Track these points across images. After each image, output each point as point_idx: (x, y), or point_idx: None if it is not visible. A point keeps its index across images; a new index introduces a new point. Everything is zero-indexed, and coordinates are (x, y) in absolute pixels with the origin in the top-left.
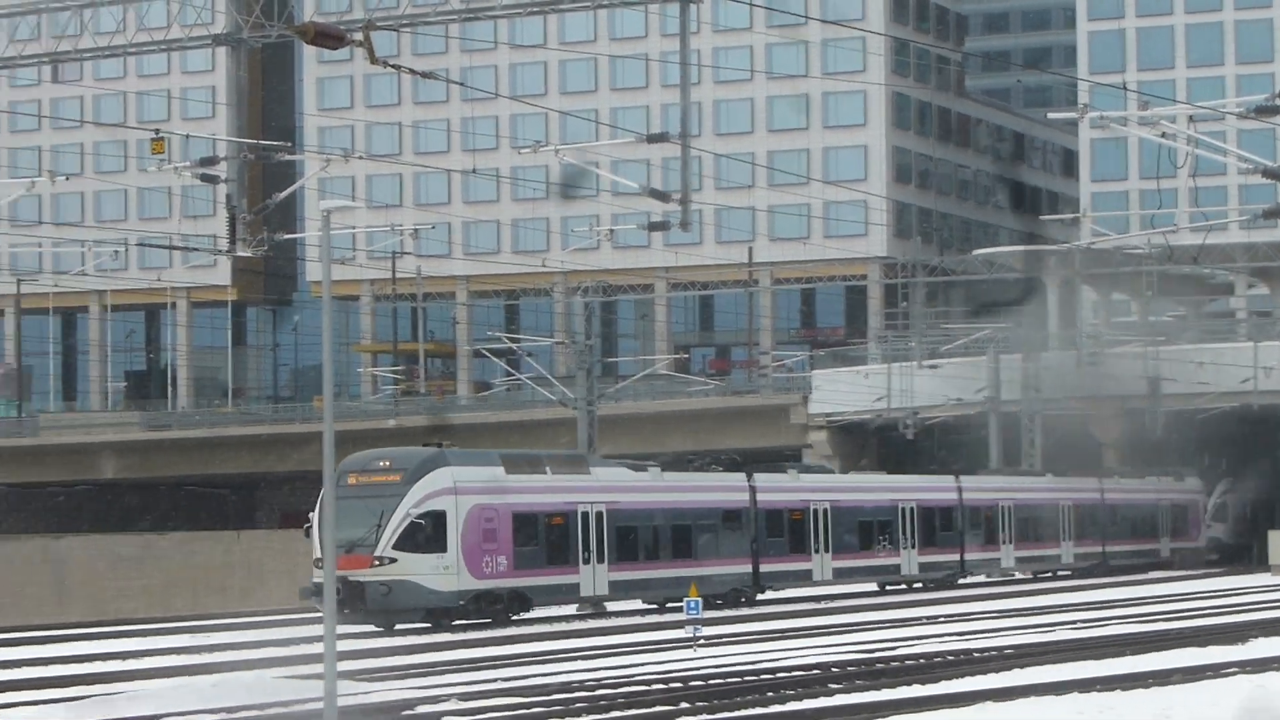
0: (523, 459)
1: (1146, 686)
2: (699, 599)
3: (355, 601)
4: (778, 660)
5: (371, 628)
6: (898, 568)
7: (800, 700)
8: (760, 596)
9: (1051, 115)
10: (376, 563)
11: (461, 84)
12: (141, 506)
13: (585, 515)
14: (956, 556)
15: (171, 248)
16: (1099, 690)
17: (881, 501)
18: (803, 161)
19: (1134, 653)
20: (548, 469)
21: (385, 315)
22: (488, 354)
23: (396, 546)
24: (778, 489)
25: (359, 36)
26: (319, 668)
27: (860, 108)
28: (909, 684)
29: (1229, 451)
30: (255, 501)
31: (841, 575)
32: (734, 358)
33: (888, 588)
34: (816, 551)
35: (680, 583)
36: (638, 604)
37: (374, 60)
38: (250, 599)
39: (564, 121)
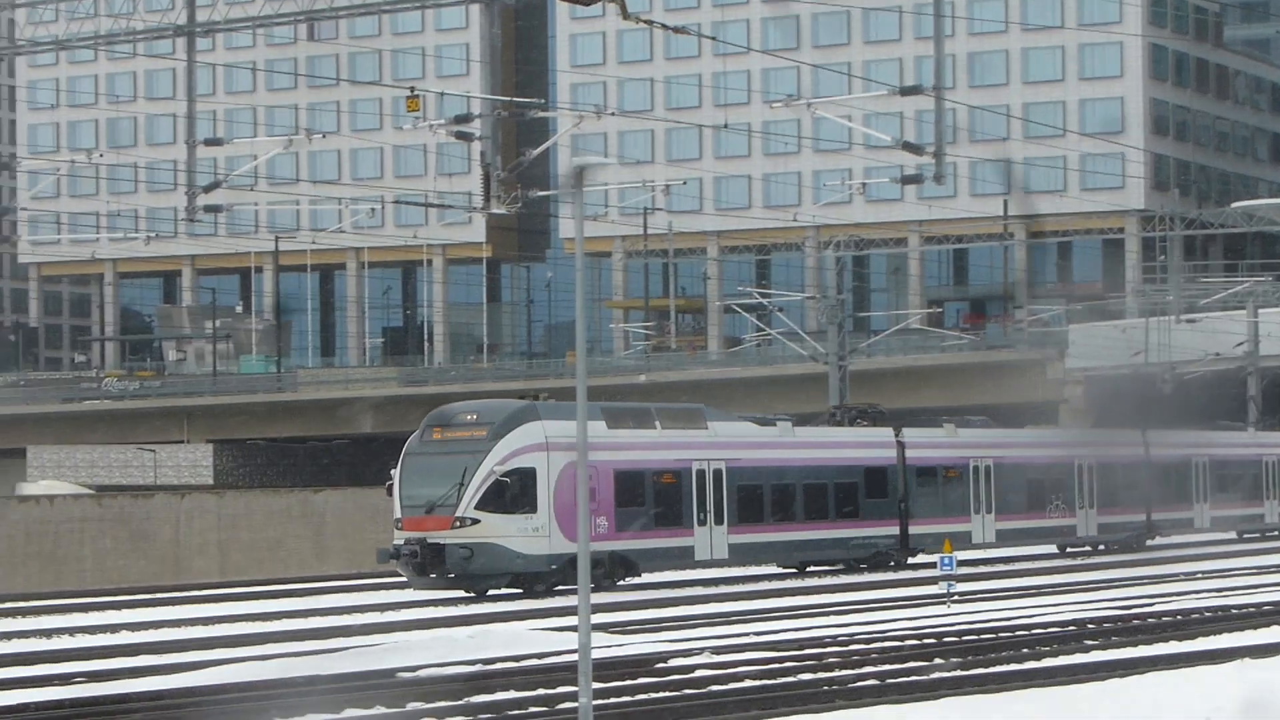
0: (627, 412)
1: None
2: (953, 555)
3: (434, 565)
4: (1033, 616)
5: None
6: (1073, 529)
7: (1056, 656)
8: (912, 560)
9: None
10: (457, 524)
11: (713, 38)
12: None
13: (701, 473)
14: (1142, 516)
15: (427, 205)
16: None
17: (1055, 458)
18: (1058, 113)
19: None
20: (658, 424)
21: (637, 271)
22: (738, 309)
23: (479, 506)
24: (930, 444)
25: None
26: (574, 620)
27: (1117, 59)
28: (1166, 640)
29: None
30: None
31: (1006, 537)
32: (988, 312)
33: (1069, 550)
34: (976, 512)
35: (812, 546)
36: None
37: (626, 16)
38: None
39: (816, 75)
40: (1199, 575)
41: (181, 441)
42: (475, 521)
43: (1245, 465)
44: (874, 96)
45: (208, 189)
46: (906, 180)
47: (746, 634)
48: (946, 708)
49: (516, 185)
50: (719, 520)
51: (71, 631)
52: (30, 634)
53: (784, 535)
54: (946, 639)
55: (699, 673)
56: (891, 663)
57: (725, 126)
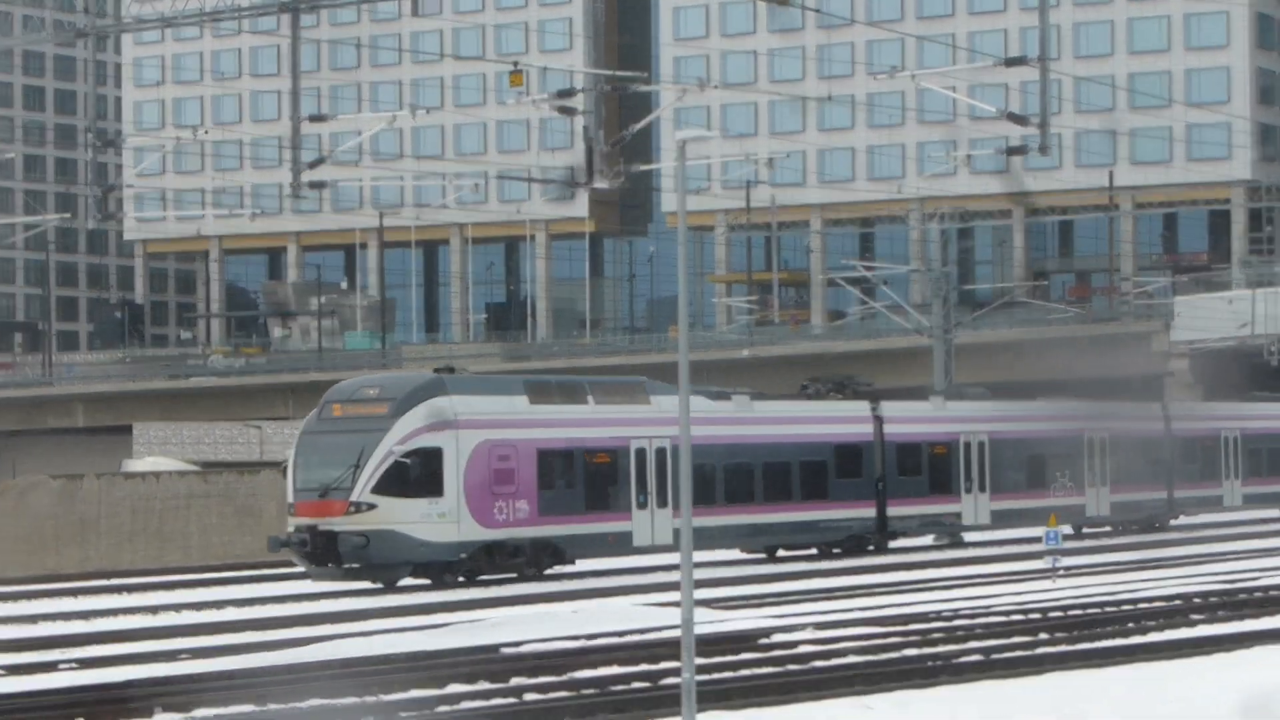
0: (554, 387)
1: None
2: (1057, 529)
3: (328, 554)
4: (1138, 591)
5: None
6: (1082, 508)
7: (1161, 631)
8: (893, 544)
9: None
10: (352, 509)
11: (817, 10)
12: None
13: (641, 452)
14: (1163, 494)
15: (530, 180)
16: None
17: (1062, 431)
18: (1164, 83)
19: None
20: (590, 398)
21: (740, 245)
22: (842, 283)
23: (377, 490)
24: (912, 419)
25: None
26: (676, 596)
27: (1223, 28)
28: (1272, 614)
29: None
30: None
31: (1004, 518)
32: (1094, 284)
33: (1083, 530)
34: (968, 492)
35: (775, 530)
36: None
37: None
38: None
39: (921, 46)
40: None
41: (287, 418)
42: (372, 507)
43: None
44: (978, 68)
45: (312, 165)
46: (1011, 151)
47: (850, 609)
48: (1051, 683)
49: (619, 159)
50: (662, 503)
51: (177, 608)
52: (136, 610)
53: (740, 518)
54: (1051, 614)
55: (802, 648)
56: (996, 638)
57: (829, 99)
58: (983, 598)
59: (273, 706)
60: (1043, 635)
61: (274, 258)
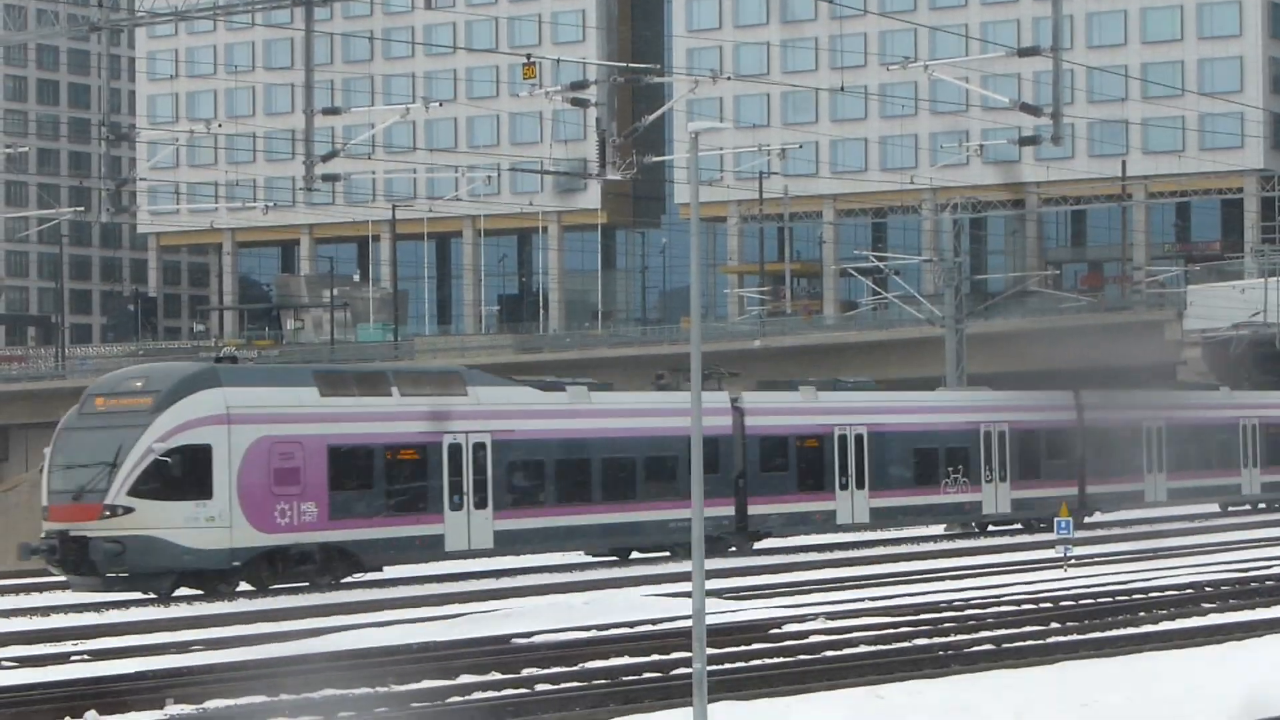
0: (351, 377)
1: None
2: (1069, 519)
3: (80, 563)
4: (1150, 580)
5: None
6: (978, 505)
7: (1173, 620)
8: (758, 546)
9: None
10: (106, 513)
11: (830, 1)
12: None
13: (455, 448)
14: (1074, 490)
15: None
16: None
17: (956, 425)
18: (1177, 73)
19: None
20: (395, 390)
21: (752, 236)
22: (854, 273)
23: (134, 492)
24: (779, 411)
25: None
26: (687, 586)
27: (1236, 17)
28: None
29: None
30: None
31: (886, 516)
32: (1106, 273)
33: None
34: (844, 488)
35: (617, 530)
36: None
37: None
38: None
39: (933, 36)
40: None
41: None
42: (129, 510)
43: (1216, 430)
44: (991, 58)
45: (325, 158)
46: (1024, 142)
47: (861, 599)
48: (1062, 672)
49: (632, 151)
50: (481, 503)
51: (190, 599)
52: (148, 602)
53: (575, 519)
54: (1063, 603)
55: (813, 638)
56: (1007, 627)
57: (841, 89)
58: (994, 587)
59: (285, 697)
60: (1054, 624)
61: (287, 250)
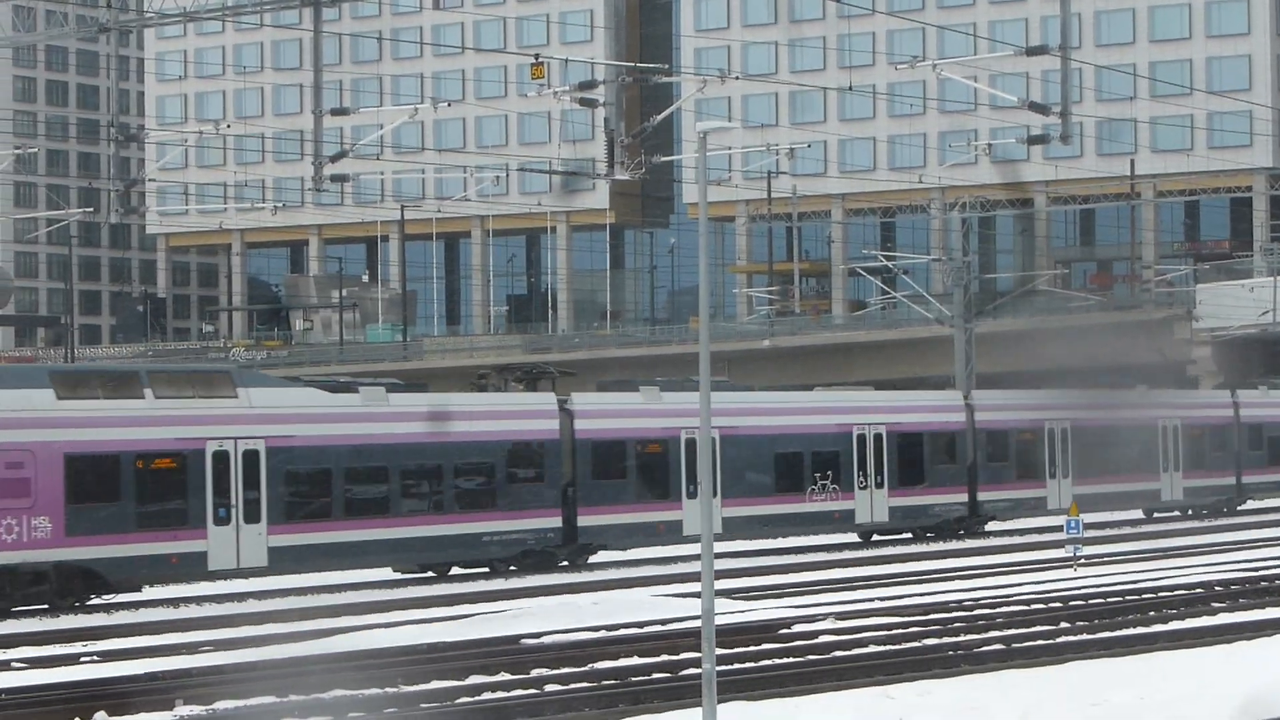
0: (94, 378)
1: None
2: (1079, 518)
3: None
4: (1159, 580)
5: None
6: (851, 513)
7: (1183, 619)
8: (592, 560)
9: None
10: None
11: (838, 0)
12: None
13: (221, 455)
14: (963, 497)
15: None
16: None
17: (825, 427)
18: (1185, 72)
19: None
20: (148, 391)
21: (760, 235)
22: (863, 273)
23: None
24: (613, 413)
25: None
26: (696, 586)
27: (1244, 16)
28: None
29: None
30: None
31: (740, 526)
32: (1116, 272)
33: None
34: (690, 496)
35: (422, 545)
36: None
37: None
38: None
39: (941, 35)
40: None
41: None
42: None
43: (1132, 431)
44: (999, 57)
45: (334, 159)
46: (1033, 140)
47: (870, 599)
48: (1072, 671)
49: (640, 151)
50: (252, 517)
51: (199, 600)
52: (158, 603)
53: (370, 533)
54: (1072, 603)
55: (823, 638)
56: (1017, 627)
57: (850, 89)
58: (1003, 587)
59: (294, 698)
60: (1063, 624)
61: (296, 251)
